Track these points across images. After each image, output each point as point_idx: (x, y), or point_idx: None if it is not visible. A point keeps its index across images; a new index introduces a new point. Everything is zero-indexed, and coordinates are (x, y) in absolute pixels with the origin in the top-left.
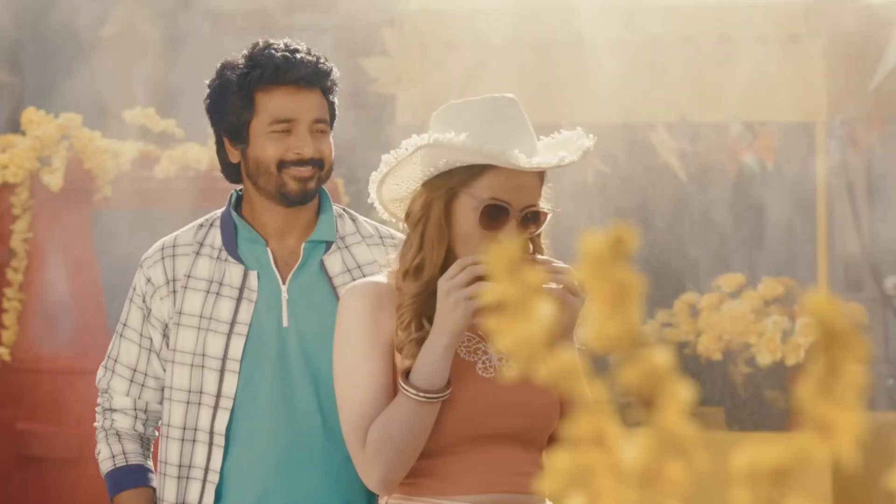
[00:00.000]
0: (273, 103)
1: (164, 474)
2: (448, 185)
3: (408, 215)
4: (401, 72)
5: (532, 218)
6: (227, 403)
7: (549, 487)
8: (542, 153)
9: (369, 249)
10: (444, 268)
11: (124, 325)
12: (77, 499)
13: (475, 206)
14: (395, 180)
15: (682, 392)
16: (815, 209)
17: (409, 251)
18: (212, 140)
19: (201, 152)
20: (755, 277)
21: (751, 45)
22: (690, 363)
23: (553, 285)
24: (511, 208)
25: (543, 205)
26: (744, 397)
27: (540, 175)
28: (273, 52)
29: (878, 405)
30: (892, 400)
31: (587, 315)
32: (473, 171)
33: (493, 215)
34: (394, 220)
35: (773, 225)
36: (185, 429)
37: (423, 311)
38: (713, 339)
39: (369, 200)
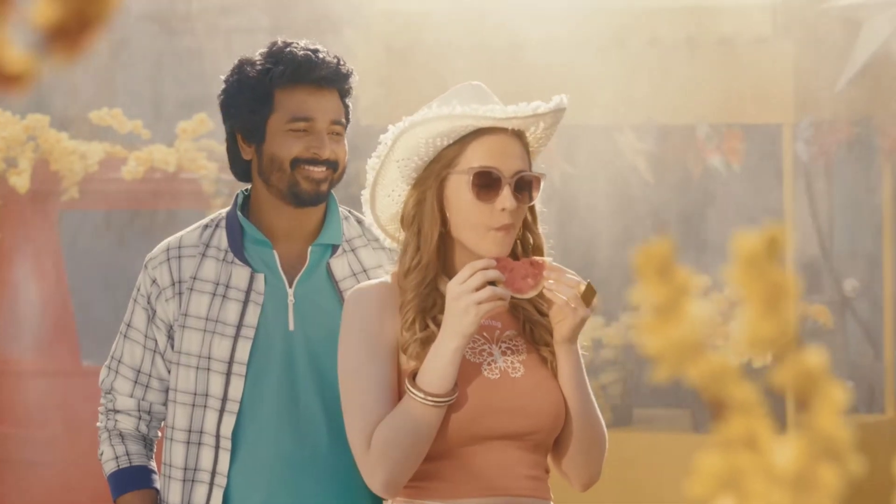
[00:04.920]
0: (292, 101)
1: (169, 477)
2: (435, 171)
3: (402, 219)
4: (364, 74)
5: (526, 186)
6: (233, 407)
7: (698, 489)
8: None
9: (375, 253)
10: (441, 259)
11: (128, 325)
12: (44, 502)
13: (466, 180)
14: (385, 190)
15: (837, 394)
16: (782, 211)
17: (407, 251)
18: (178, 141)
19: (168, 153)
20: (721, 279)
21: (718, 46)
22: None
23: (560, 295)
24: (501, 174)
25: (535, 171)
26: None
27: (524, 144)
28: (294, 50)
29: None
30: (851, 403)
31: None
32: (456, 150)
33: (486, 183)
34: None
35: (740, 226)
36: (190, 431)
37: (426, 308)
38: None
39: (367, 224)
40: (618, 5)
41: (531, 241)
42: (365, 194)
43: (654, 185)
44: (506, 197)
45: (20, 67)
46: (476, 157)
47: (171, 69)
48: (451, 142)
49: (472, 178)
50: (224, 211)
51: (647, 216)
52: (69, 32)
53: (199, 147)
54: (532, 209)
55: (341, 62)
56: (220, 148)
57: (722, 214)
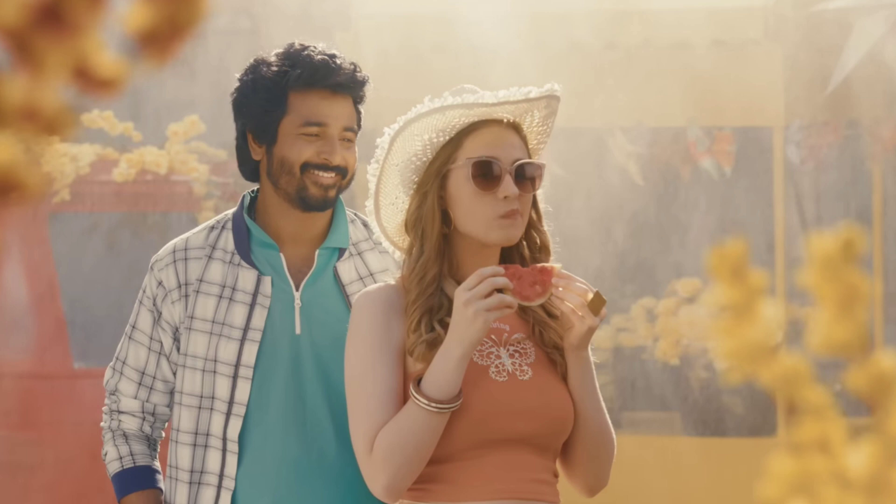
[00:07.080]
0: (306, 105)
1: (175, 479)
2: (434, 170)
3: (406, 224)
4: None
5: (527, 176)
6: (239, 410)
7: (769, 492)
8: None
9: (381, 256)
10: (447, 260)
11: (133, 327)
12: (35, 503)
13: (466, 173)
14: (388, 198)
15: None
16: (773, 213)
17: (411, 252)
18: (169, 144)
19: (160, 156)
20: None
21: (708, 49)
22: (648, 368)
23: (567, 303)
24: (500, 162)
25: (536, 160)
26: (701, 402)
27: (521, 137)
28: (311, 54)
29: None
30: (840, 407)
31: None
32: (453, 146)
33: (485, 173)
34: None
35: (731, 229)
36: (196, 434)
37: (432, 309)
38: (670, 343)
39: (374, 238)
40: (609, 9)
41: (537, 239)
42: (369, 204)
43: (645, 188)
44: (507, 185)
45: (112, 72)
46: (473, 149)
47: (156, 71)
48: (447, 138)
49: (471, 169)
50: (230, 212)
51: (637, 218)
52: (160, 38)
53: (190, 149)
54: (537, 208)
55: (357, 69)
56: (212, 150)
57: (712, 217)
